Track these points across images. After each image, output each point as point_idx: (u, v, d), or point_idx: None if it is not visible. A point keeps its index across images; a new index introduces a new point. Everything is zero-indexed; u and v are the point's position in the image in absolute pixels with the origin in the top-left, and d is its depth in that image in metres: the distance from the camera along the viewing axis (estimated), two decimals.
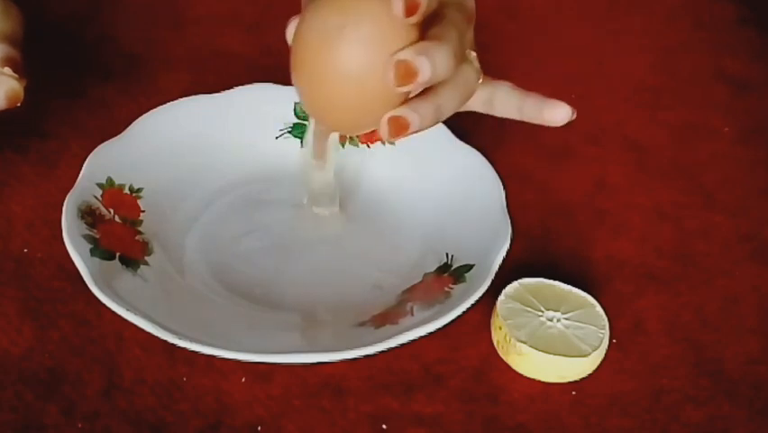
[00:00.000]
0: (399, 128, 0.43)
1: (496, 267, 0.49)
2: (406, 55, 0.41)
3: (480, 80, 0.47)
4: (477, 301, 0.47)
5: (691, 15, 0.80)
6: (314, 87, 0.45)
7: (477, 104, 0.50)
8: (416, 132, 0.44)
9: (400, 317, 0.48)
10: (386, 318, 0.48)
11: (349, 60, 0.43)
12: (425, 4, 0.41)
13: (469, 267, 0.50)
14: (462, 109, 0.49)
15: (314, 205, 0.55)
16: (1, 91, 0.47)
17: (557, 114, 0.49)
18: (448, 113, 0.45)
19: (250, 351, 0.44)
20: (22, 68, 0.48)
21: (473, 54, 0.47)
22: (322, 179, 0.53)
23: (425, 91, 0.44)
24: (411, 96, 0.44)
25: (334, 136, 0.51)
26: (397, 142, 0.59)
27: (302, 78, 0.45)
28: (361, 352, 0.44)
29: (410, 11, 0.41)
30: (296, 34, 0.45)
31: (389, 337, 0.45)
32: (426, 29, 0.43)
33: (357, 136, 0.59)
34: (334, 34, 0.43)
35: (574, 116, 0.49)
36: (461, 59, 0.44)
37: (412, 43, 0.42)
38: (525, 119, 0.50)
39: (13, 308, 0.49)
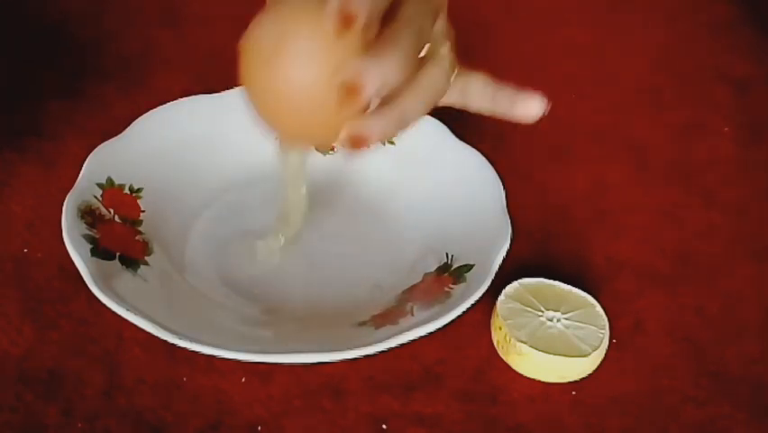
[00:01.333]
0: (358, 142, 0.40)
1: (496, 267, 0.49)
2: (346, 74, 0.38)
3: (454, 75, 0.44)
4: (477, 301, 0.47)
5: (691, 15, 0.80)
6: (266, 102, 0.42)
7: (452, 97, 0.47)
8: (380, 142, 0.40)
9: (400, 318, 0.48)
10: (386, 318, 0.48)
11: (293, 75, 0.40)
12: (362, 15, 0.38)
13: (469, 267, 0.50)
14: (438, 104, 0.45)
15: (278, 227, 0.53)
16: None
17: (529, 108, 0.46)
18: (414, 117, 0.42)
19: (249, 351, 0.44)
20: None
21: (445, 47, 0.43)
22: (293, 196, 0.51)
23: (386, 99, 0.41)
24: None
25: (303, 158, 0.50)
26: (397, 142, 0.59)
27: (251, 91, 0.42)
28: (361, 352, 0.44)
29: (345, 25, 0.38)
30: (244, 45, 0.42)
31: (389, 337, 0.45)
32: (381, 28, 0.40)
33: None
34: (278, 48, 0.40)
35: (547, 110, 0.46)
36: (418, 59, 0.41)
37: (362, 51, 0.39)
38: (497, 113, 0.47)
39: (13, 308, 0.49)
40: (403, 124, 0.41)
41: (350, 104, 0.38)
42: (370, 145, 0.40)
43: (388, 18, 0.40)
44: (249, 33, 0.42)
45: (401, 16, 0.40)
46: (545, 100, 0.46)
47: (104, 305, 0.45)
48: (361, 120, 0.40)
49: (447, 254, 0.52)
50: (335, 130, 0.40)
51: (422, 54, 0.42)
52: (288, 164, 0.50)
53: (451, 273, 0.51)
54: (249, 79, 0.42)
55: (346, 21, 0.38)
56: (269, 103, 0.42)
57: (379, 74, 0.38)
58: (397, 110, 0.41)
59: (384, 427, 0.46)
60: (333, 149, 0.59)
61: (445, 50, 0.43)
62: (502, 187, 0.54)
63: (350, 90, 0.38)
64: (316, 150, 0.58)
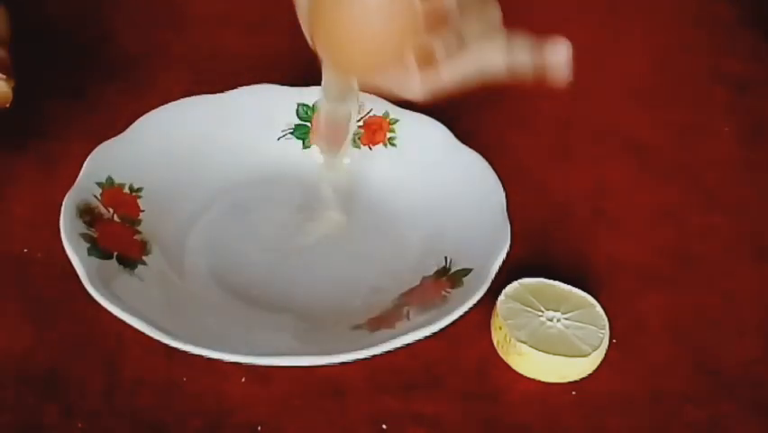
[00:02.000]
0: (426, 58, 0.43)
1: (493, 272, 0.49)
2: None
3: (500, 14, 0.47)
4: (474, 306, 0.47)
5: (691, 15, 0.80)
6: (336, 29, 0.44)
7: (497, 53, 0.48)
8: (442, 60, 0.43)
9: (396, 321, 0.48)
10: (382, 322, 0.48)
11: None
12: None
13: (467, 271, 0.50)
14: (482, 74, 0.48)
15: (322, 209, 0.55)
16: None
17: (558, 53, 0.48)
18: (471, 40, 0.45)
19: (245, 353, 0.44)
20: (10, 68, 0.48)
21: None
22: (334, 180, 0.53)
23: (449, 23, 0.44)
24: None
25: (347, 145, 0.51)
26: (398, 144, 0.59)
27: (322, 22, 0.44)
28: (356, 355, 0.44)
29: None
30: None
31: (384, 341, 0.45)
32: None
33: (358, 138, 0.59)
34: None
35: (570, 58, 0.48)
36: None
37: None
38: (536, 61, 0.48)
39: (13, 308, 0.49)
40: (462, 44, 0.44)
41: (432, 4, 0.42)
42: (437, 63, 0.43)
43: None
44: None
45: None
46: (569, 47, 0.48)
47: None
48: (427, 36, 0.43)
49: (446, 258, 0.52)
50: (396, 52, 0.43)
51: None
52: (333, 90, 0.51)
53: (449, 277, 0.51)
54: (323, 6, 0.44)
55: None
56: (343, 26, 0.44)
57: None
58: (456, 29, 0.44)
59: (384, 427, 0.46)
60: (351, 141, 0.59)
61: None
62: (503, 191, 0.54)
63: None
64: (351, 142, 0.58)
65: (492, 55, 0.48)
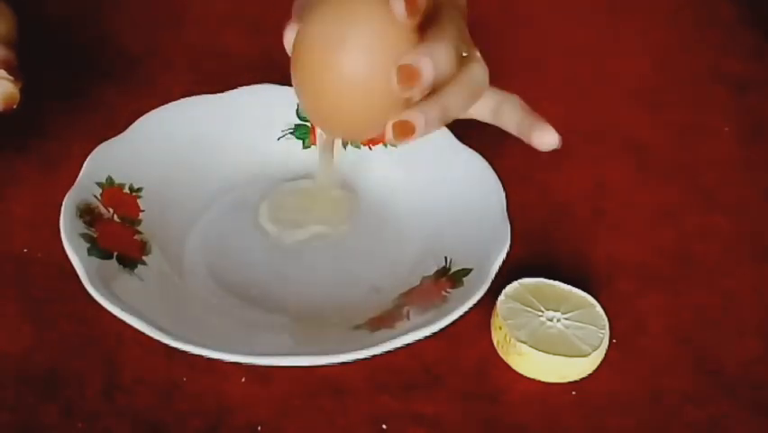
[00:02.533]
0: (405, 132, 0.43)
1: (493, 273, 0.49)
2: (407, 59, 0.41)
3: (487, 78, 0.47)
4: (474, 306, 0.47)
5: (691, 15, 0.80)
6: (318, 96, 0.45)
7: (484, 113, 0.50)
8: (423, 134, 0.43)
9: (396, 321, 0.48)
10: (382, 322, 0.48)
11: (353, 68, 0.43)
12: (424, 3, 0.41)
13: (467, 271, 0.50)
14: (469, 117, 0.49)
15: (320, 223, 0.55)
16: None
17: (545, 138, 0.48)
18: (456, 113, 0.45)
19: (245, 353, 0.44)
20: (17, 69, 0.48)
21: (477, 51, 0.47)
22: (331, 194, 0.53)
23: (431, 94, 0.44)
24: (417, 99, 0.44)
25: (337, 157, 0.52)
26: (399, 146, 0.59)
27: (305, 87, 0.45)
28: (356, 355, 0.44)
29: (411, 11, 0.41)
30: (296, 43, 0.45)
31: (384, 341, 0.45)
32: (423, 29, 0.43)
33: None
34: (337, 43, 0.43)
35: (559, 146, 0.48)
36: (462, 56, 0.44)
37: (412, 44, 0.43)
38: (520, 136, 0.49)
39: (13, 308, 0.49)
40: (446, 118, 0.44)
41: (408, 87, 0.41)
42: (415, 136, 0.43)
43: (428, 19, 0.43)
44: (303, 29, 0.44)
45: (444, 17, 0.44)
46: (559, 137, 0.48)
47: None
48: (410, 110, 0.43)
49: (446, 258, 0.52)
50: (383, 121, 0.43)
51: (463, 54, 0.45)
52: (325, 160, 0.52)
53: (449, 277, 0.51)
54: (307, 74, 0.44)
55: (412, 7, 0.41)
56: (328, 96, 0.44)
57: (439, 62, 0.42)
58: (442, 103, 0.44)
59: (384, 427, 0.46)
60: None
61: (479, 54, 0.47)
62: (503, 191, 0.54)
63: (410, 74, 0.41)
64: (350, 143, 0.59)
65: (477, 110, 0.49)
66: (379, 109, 0.44)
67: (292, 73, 0.45)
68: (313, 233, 0.55)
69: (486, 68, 0.47)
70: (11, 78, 0.47)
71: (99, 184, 0.53)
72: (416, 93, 0.42)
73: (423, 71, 0.41)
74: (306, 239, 0.55)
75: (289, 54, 0.46)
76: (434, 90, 0.44)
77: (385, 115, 0.43)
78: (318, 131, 0.52)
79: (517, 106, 0.50)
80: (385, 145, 0.59)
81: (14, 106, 0.48)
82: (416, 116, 0.43)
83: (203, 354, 0.43)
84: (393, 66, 0.41)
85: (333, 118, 0.46)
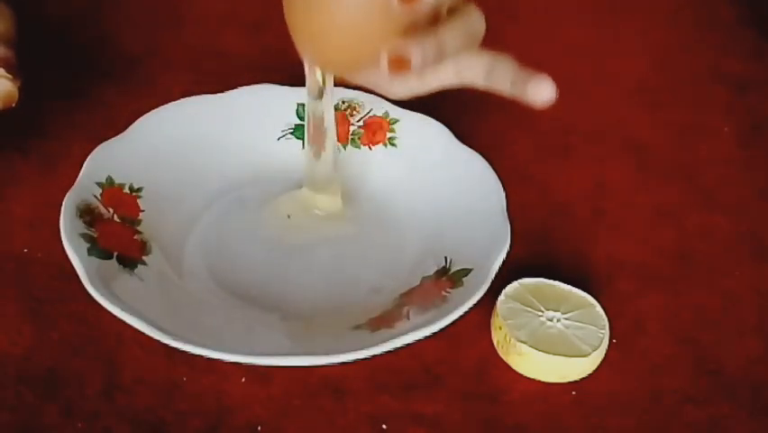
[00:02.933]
0: (400, 63, 0.41)
1: (493, 273, 0.49)
2: None
3: (483, 29, 0.46)
4: (474, 306, 0.47)
5: (691, 15, 0.80)
6: (312, 21, 0.43)
7: (477, 74, 0.48)
8: (417, 69, 0.42)
9: (396, 321, 0.48)
10: (382, 322, 0.48)
11: None
12: None
13: (467, 271, 0.50)
14: (462, 81, 0.48)
15: (315, 193, 0.55)
16: None
17: (540, 90, 0.46)
18: (450, 52, 0.43)
19: (245, 353, 0.44)
20: (15, 68, 0.48)
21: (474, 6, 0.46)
22: (321, 170, 0.53)
23: (429, 29, 0.42)
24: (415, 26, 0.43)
25: (332, 130, 0.51)
26: (398, 144, 0.59)
27: (298, 13, 0.43)
28: (356, 355, 0.44)
29: None
30: None
31: (384, 341, 0.45)
32: None
33: (358, 138, 0.59)
34: None
35: (554, 99, 0.46)
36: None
37: None
38: (514, 94, 0.47)
39: (13, 308, 0.49)
40: (441, 56, 0.42)
41: (410, 7, 0.40)
42: (410, 69, 0.41)
43: None
44: None
45: None
46: (555, 89, 0.46)
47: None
48: (404, 42, 0.41)
49: (446, 258, 0.52)
50: (376, 52, 0.41)
51: None
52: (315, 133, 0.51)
53: (449, 277, 0.51)
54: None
55: None
56: (322, 21, 0.43)
57: None
58: (436, 39, 0.42)
59: (384, 427, 0.46)
60: (351, 141, 0.59)
61: (474, 6, 0.45)
62: (503, 191, 0.54)
63: None
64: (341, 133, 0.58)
65: (470, 72, 0.48)
66: (372, 37, 0.42)
67: (285, 4, 0.44)
68: (313, 235, 0.55)
69: (483, 16, 0.45)
70: (9, 76, 0.47)
71: (99, 184, 0.53)
72: (414, 12, 0.41)
73: None
74: (307, 240, 0.55)
75: None
76: (431, 28, 0.42)
77: (378, 42, 0.42)
78: (308, 86, 0.50)
79: (510, 65, 0.48)
80: (385, 145, 0.59)
81: (13, 105, 0.48)
82: (411, 47, 0.41)
83: (203, 354, 0.43)
84: None
85: (325, 46, 0.44)
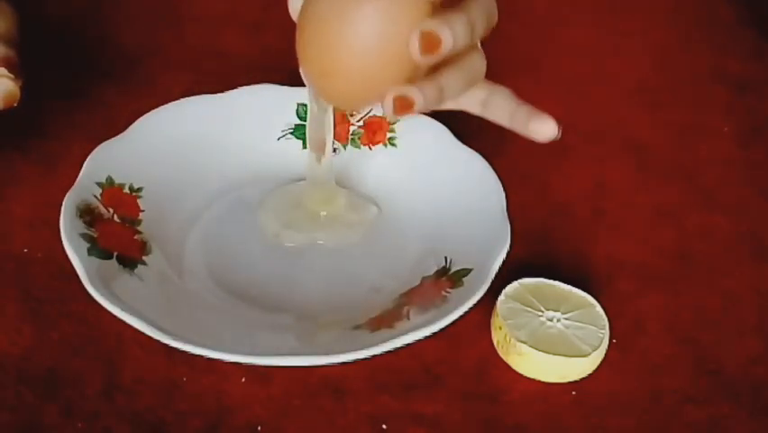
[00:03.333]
0: (404, 106, 0.43)
1: (493, 273, 0.49)
2: (430, 25, 0.41)
3: (485, 68, 0.47)
4: (474, 306, 0.47)
5: (691, 15, 0.80)
6: (322, 57, 0.44)
7: (474, 103, 0.49)
8: (419, 112, 0.43)
9: (396, 321, 0.48)
10: (382, 322, 0.48)
11: (364, 32, 0.42)
12: None
13: (467, 271, 0.50)
14: (458, 108, 0.48)
15: (311, 205, 0.55)
16: None
17: (543, 128, 0.47)
18: (451, 95, 0.45)
19: (245, 353, 0.44)
20: (17, 67, 0.48)
21: (478, 43, 0.47)
22: (322, 173, 0.53)
23: (430, 72, 0.44)
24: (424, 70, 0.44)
25: (330, 133, 0.51)
26: (399, 144, 0.59)
27: (310, 48, 0.44)
28: (356, 355, 0.44)
29: None
30: (305, 6, 0.44)
31: (384, 341, 0.45)
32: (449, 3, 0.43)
33: (358, 138, 0.59)
34: (352, 6, 0.42)
35: (559, 136, 0.47)
36: (478, 33, 0.44)
37: (427, 14, 0.42)
38: (513, 128, 0.48)
39: (13, 308, 0.49)
40: (442, 99, 0.44)
41: (428, 54, 0.42)
42: (412, 112, 0.43)
43: None
44: None
45: None
46: (559, 126, 0.47)
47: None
48: (410, 85, 0.43)
49: (446, 258, 0.52)
50: (382, 92, 0.43)
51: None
52: (317, 139, 0.52)
53: (449, 277, 0.51)
54: (313, 35, 0.44)
55: None
56: (333, 59, 0.44)
57: (457, 34, 0.42)
58: (440, 83, 0.44)
59: (384, 427, 0.46)
60: (351, 141, 0.60)
61: (479, 44, 0.46)
62: (503, 191, 0.54)
63: (431, 41, 0.41)
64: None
65: (467, 101, 0.49)
66: (380, 78, 0.43)
67: (297, 36, 0.45)
68: (313, 238, 0.55)
69: (484, 58, 0.46)
70: (11, 75, 0.47)
71: (99, 184, 0.53)
72: (433, 60, 0.42)
73: (443, 40, 0.41)
74: (306, 240, 0.55)
75: (294, 17, 0.46)
76: (433, 69, 0.44)
77: (385, 85, 0.43)
78: (310, 101, 0.50)
79: (509, 98, 0.48)
80: (385, 145, 0.59)
81: (15, 104, 0.48)
82: (415, 92, 0.43)
83: (203, 354, 0.43)
84: (414, 32, 0.41)
85: (332, 83, 0.45)
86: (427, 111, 0.44)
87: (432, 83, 0.44)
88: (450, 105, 0.48)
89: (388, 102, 0.43)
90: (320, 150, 0.52)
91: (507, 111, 0.48)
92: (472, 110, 0.49)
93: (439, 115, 0.59)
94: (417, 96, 0.43)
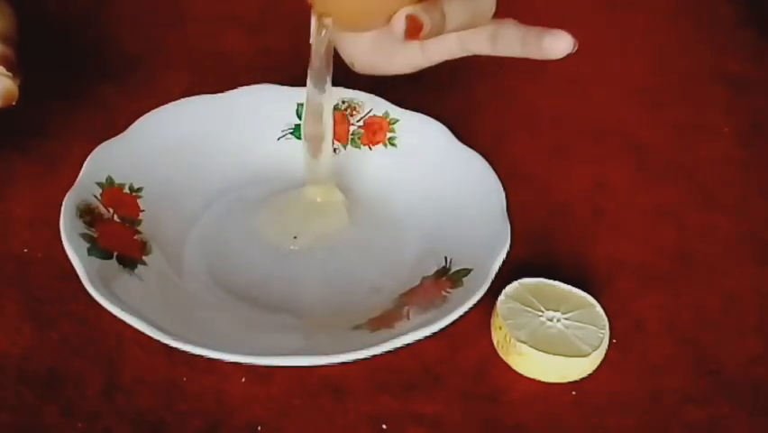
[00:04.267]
0: (415, 28, 0.43)
1: (493, 273, 0.49)
2: None
3: (493, 9, 0.46)
4: (474, 306, 0.47)
5: (691, 15, 0.80)
6: None
7: (482, 41, 0.48)
8: (424, 38, 0.44)
9: (396, 321, 0.48)
10: (382, 322, 0.48)
11: None
12: None
13: (467, 271, 0.50)
14: (467, 52, 0.48)
15: (311, 185, 0.55)
16: None
17: (557, 43, 0.46)
18: (454, 24, 0.45)
19: (245, 353, 0.44)
20: (16, 66, 0.48)
21: None
22: (320, 169, 0.53)
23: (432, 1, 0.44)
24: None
25: (329, 127, 0.51)
26: (398, 144, 0.59)
27: None
28: (356, 355, 0.44)
29: None
30: None
31: (384, 341, 0.45)
32: None
33: (358, 138, 0.59)
34: None
35: (575, 49, 0.46)
36: None
37: None
38: (527, 53, 0.47)
39: (13, 308, 0.49)
40: (445, 26, 0.44)
41: None
42: (420, 36, 0.43)
43: None
44: None
45: None
46: (575, 39, 0.46)
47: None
48: (418, 7, 0.43)
49: (446, 258, 0.52)
50: (387, 13, 0.43)
51: None
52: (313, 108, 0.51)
53: (449, 277, 0.51)
54: None
55: None
56: None
57: None
58: (441, 8, 0.44)
59: (384, 427, 0.46)
60: (351, 141, 0.60)
61: None
62: (503, 191, 0.54)
63: None
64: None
65: (474, 40, 0.48)
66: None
67: None
68: (312, 239, 0.55)
69: (495, 1, 0.46)
70: (10, 74, 0.47)
71: (99, 184, 0.53)
72: None
73: None
74: (306, 240, 0.55)
75: None
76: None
77: (390, 6, 0.43)
78: (313, 26, 0.49)
79: (516, 25, 0.48)
80: (385, 145, 0.59)
81: (14, 103, 0.48)
82: (424, 15, 0.43)
83: (203, 354, 0.43)
84: None
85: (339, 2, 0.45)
86: (430, 38, 0.44)
87: (437, 8, 0.44)
88: (457, 48, 0.48)
89: (401, 22, 0.43)
90: (315, 142, 0.52)
91: (517, 38, 0.47)
92: (483, 49, 0.48)
93: (439, 116, 0.59)
94: (425, 18, 0.43)
